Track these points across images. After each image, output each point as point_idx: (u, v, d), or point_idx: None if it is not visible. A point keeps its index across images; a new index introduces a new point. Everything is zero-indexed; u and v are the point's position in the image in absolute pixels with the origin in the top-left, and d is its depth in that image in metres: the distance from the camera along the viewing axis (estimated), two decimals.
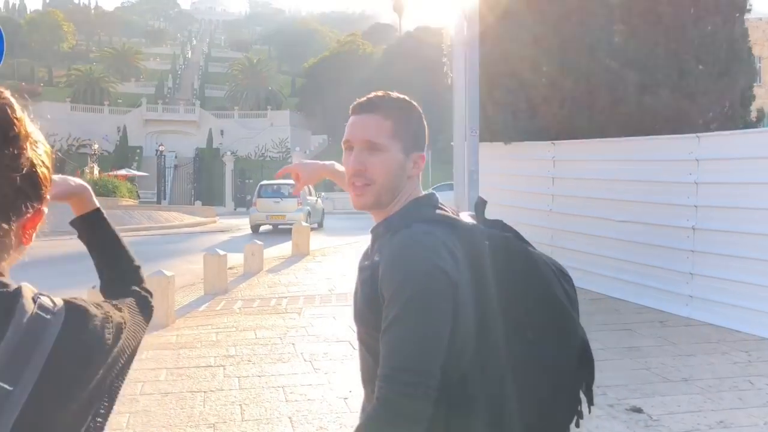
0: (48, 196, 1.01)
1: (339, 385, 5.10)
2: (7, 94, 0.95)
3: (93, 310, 1.01)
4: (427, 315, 1.27)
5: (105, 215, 1.40)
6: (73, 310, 0.98)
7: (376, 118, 1.44)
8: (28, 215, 0.97)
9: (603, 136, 8.75)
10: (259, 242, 12.14)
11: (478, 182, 7.25)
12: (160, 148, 47.78)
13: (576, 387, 1.47)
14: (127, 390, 5.03)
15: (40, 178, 0.98)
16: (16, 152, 0.93)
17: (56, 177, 1.23)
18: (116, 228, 1.41)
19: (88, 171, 31.89)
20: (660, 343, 6.34)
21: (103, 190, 26.64)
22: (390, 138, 1.43)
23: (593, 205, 8.76)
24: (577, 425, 1.46)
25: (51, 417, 0.91)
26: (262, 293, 9.39)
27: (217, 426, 4.36)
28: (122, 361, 1.07)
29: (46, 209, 1.02)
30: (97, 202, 1.40)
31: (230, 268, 10.65)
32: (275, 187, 21.10)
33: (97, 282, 1.39)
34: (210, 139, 63.45)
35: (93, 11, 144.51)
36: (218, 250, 9.60)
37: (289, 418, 4.48)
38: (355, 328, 1.49)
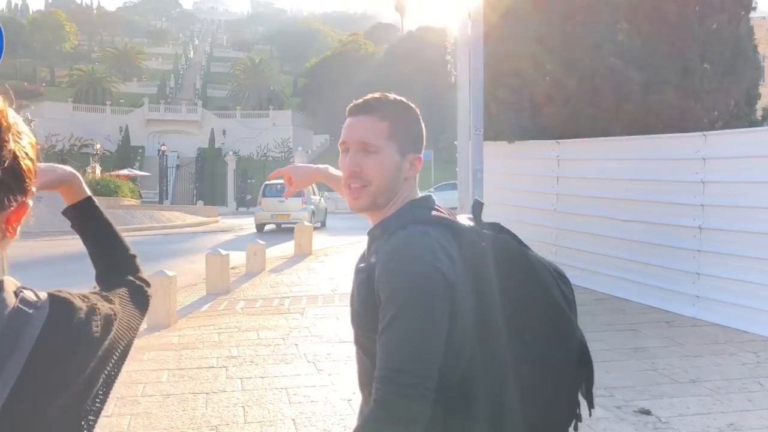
0: (33, 189, 0.99)
1: (343, 386, 5.05)
2: None
3: (78, 302, 0.99)
4: (424, 316, 1.25)
5: (97, 203, 1.37)
6: (58, 303, 0.97)
7: (372, 119, 1.43)
8: (12, 208, 0.95)
9: (607, 135, 8.71)
10: (261, 242, 12.09)
11: (483, 181, 7.19)
12: (162, 148, 47.78)
13: (574, 389, 1.46)
14: (128, 391, 4.99)
15: (24, 171, 0.96)
16: None
17: (43, 165, 1.21)
18: (109, 217, 1.39)
19: (90, 171, 31.87)
20: (666, 343, 6.28)
21: (106, 189, 26.60)
22: (386, 139, 1.42)
23: (598, 205, 8.71)
24: (576, 428, 1.45)
25: (37, 411, 0.90)
26: (264, 293, 9.34)
27: (220, 428, 4.31)
28: (118, 353, 1.06)
29: (31, 202, 1.00)
30: (88, 190, 1.36)
31: (232, 268, 10.61)
32: (279, 186, 21.19)
33: None
34: (212, 139, 63.49)
35: (95, 11, 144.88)
36: (220, 250, 9.56)
37: (293, 420, 4.43)
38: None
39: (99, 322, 1.00)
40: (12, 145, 0.93)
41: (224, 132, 65.37)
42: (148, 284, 1.31)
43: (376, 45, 71.79)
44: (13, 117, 0.95)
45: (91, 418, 1.01)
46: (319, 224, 22.17)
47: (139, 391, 5.02)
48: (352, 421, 4.32)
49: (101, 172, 33.38)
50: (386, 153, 1.42)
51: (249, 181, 44.63)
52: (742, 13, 9.05)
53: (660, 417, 4.37)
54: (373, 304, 1.31)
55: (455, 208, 8.31)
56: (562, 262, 9.21)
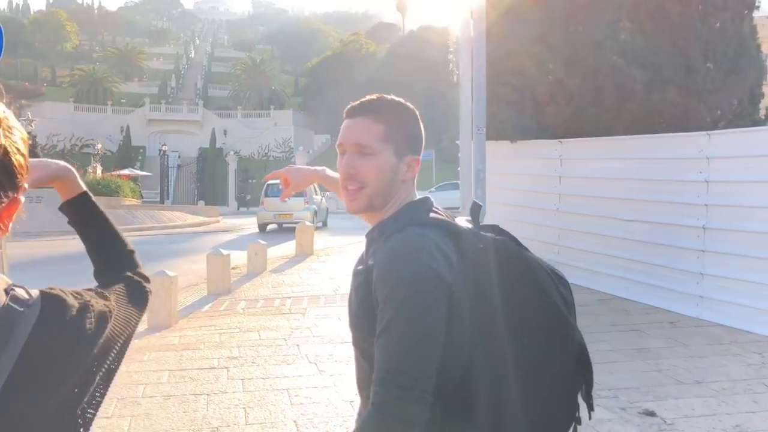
0: (25, 185, 0.98)
1: (345, 387, 5.01)
2: None
3: (70, 300, 0.98)
4: (422, 318, 1.25)
5: (93, 198, 1.36)
6: (50, 300, 0.96)
7: (368, 121, 1.43)
8: (4, 204, 0.95)
9: (610, 135, 8.67)
10: (262, 242, 12.06)
11: (485, 181, 7.16)
12: (164, 148, 47.72)
13: (573, 392, 1.45)
14: (128, 392, 4.95)
15: (15, 166, 0.94)
16: None
17: (36, 161, 1.21)
18: (106, 212, 1.37)
19: (91, 171, 31.87)
20: (670, 344, 6.24)
21: (107, 189, 26.56)
22: (381, 141, 1.42)
23: (601, 204, 8.67)
24: (575, 431, 1.44)
25: (31, 407, 0.90)
26: (265, 293, 9.31)
27: (221, 430, 4.27)
28: (116, 349, 1.06)
29: (23, 198, 0.99)
30: (83, 185, 1.35)
31: (233, 268, 10.58)
32: (282, 186, 21.25)
33: None
34: (213, 139, 63.46)
35: (96, 11, 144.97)
36: (221, 250, 9.53)
37: (294, 421, 4.40)
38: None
39: (92, 319, 1.00)
40: (3, 140, 0.92)
41: (225, 132, 65.34)
42: (147, 279, 1.30)
43: (378, 45, 71.73)
44: (3, 111, 0.93)
45: (91, 411, 1.01)
46: (320, 224, 22.34)
47: (139, 392, 4.99)
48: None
49: (102, 172, 33.37)
50: (382, 155, 1.42)
51: (250, 180, 44.56)
52: (746, 11, 9.01)
53: (665, 418, 4.33)
54: (370, 307, 1.31)
55: (457, 208, 8.29)
56: (565, 262, 9.18)
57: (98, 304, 1.04)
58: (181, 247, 17.36)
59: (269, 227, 22.12)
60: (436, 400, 1.23)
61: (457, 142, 8.42)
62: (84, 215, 1.34)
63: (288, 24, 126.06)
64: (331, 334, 6.69)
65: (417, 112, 1.50)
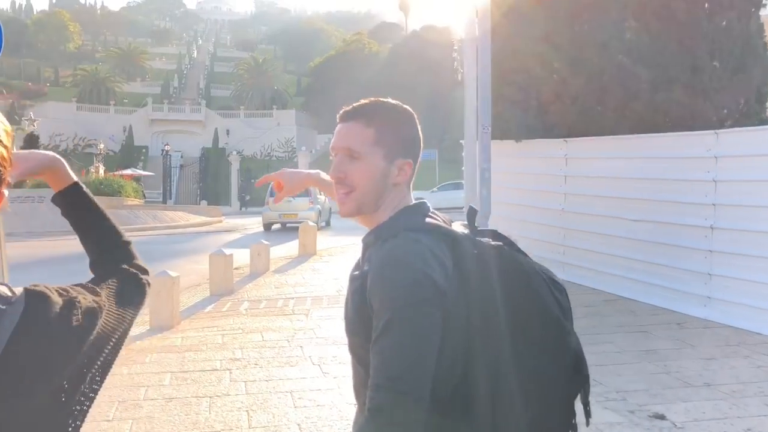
0: (9, 178, 0.96)
1: (349, 390, 4.90)
2: None
3: (55, 297, 0.96)
4: (416, 324, 1.24)
5: (84, 188, 1.32)
6: (34, 297, 0.94)
7: (358, 125, 1.43)
8: None
9: (615, 134, 8.60)
10: (265, 242, 12.01)
11: (490, 180, 7.09)
12: (166, 148, 47.69)
13: (570, 399, 1.44)
14: (130, 395, 4.89)
15: None
16: None
17: (23, 152, 1.19)
18: (98, 201, 1.34)
19: (93, 171, 31.87)
20: (678, 345, 6.16)
21: (109, 189, 26.52)
22: (371, 145, 1.42)
23: (607, 204, 8.59)
24: None
25: (18, 404, 0.90)
26: (268, 294, 9.25)
27: None
28: (111, 343, 1.05)
29: (6, 191, 0.97)
30: (74, 175, 1.32)
31: (236, 269, 10.53)
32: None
33: None
34: (216, 139, 63.49)
35: (99, 11, 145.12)
36: (224, 250, 9.47)
37: (298, 425, 4.33)
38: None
39: (79, 315, 0.98)
40: None
41: (228, 132, 65.39)
42: (144, 271, 1.27)
43: (380, 44, 71.68)
44: None
45: (87, 403, 1.00)
46: (324, 224, 22.65)
47: (141, 395, 4.92)
48: None
49: (105, 172, 33.34)
50: (371, 159, 1.41)
51: (251, 180, 44.52)
52: (752, 10, 8.92)
53: (675, 422, 4.26)
54: (366, 312, 1.30)
55: (461, 208, 8.21)
56: (570, 262, 9.12)
57: (86, 300, 1.02)
58: (184, 248, 17.32)
59: (273, 227, 22.38)
60: (432, 407, 1.22)
61: (461, 141, 8.35)
62: (76, 205, 1.31)
63: (290, 24, 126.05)
64: (334, 336, 6.62)
65: (414, 115, 1.48)
